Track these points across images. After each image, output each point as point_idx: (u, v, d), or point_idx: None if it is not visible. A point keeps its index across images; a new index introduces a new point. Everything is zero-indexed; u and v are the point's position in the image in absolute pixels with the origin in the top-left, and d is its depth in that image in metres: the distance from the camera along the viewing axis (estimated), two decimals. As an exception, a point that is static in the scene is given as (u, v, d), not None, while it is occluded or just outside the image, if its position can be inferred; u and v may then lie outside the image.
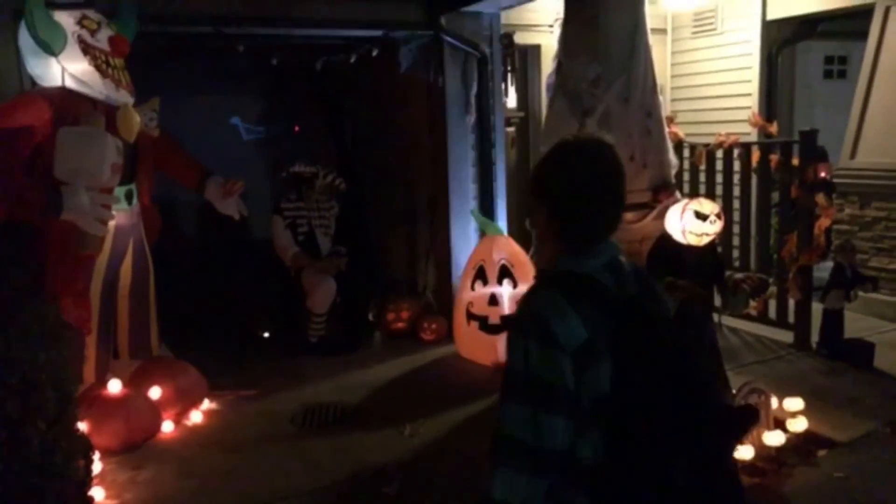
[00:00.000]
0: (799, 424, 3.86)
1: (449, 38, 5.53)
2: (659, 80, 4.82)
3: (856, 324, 5.44)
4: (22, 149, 3.69)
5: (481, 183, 5.91)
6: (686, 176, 6.17)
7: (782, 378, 4.61)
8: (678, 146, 5.91)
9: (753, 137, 6.13)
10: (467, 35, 5.62)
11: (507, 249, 5.36)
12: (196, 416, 4.43)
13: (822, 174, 5.63)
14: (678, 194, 4.69)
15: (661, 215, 4.30)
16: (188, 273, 6.86)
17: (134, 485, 3.63)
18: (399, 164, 6.53)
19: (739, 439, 1.68)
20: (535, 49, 6.72)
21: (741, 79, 6.80)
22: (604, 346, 1.40)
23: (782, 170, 5.38)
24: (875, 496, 3.39)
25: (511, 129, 6.76)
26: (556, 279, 1.51)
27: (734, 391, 4.07)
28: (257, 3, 4.97)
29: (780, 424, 3.84)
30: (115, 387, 4.03)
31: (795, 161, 5.25)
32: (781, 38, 6.74)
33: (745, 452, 3.53)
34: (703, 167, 6.05)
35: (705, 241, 4.00)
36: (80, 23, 3.99)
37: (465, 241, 5.86)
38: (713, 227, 3.98)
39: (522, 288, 5.21)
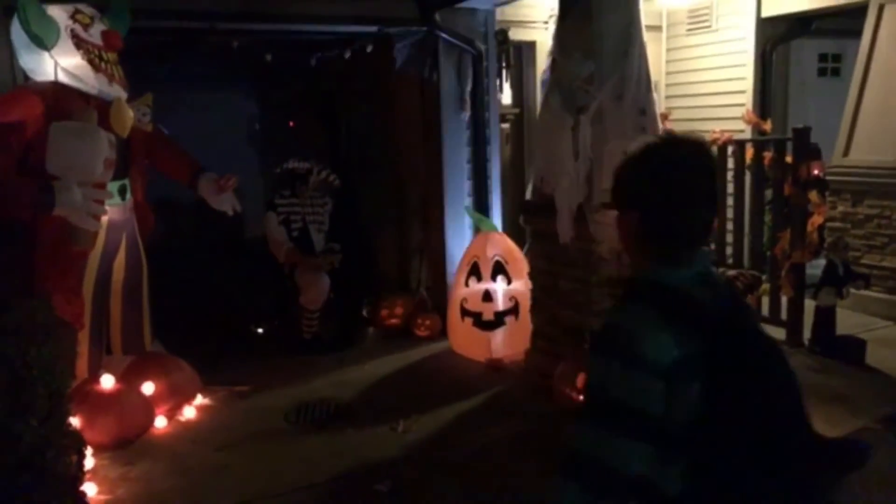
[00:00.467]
0: (791, 421, 3.87)
1: (444, 35, 5.52)
2: (654, 77, 4.80)
3: (848, 321, 5.46)
4: (14, 144, 3.67)
5: (476, 179, 5.91)
6: (680, 173, 6.18)
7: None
8: (672, 143, 5.91)
9: (747, 134, 6.14)
10: (462, 31, 5.62)
11: (502, 246, 5.36)
12: (189, 412, 4.42)
13: (816, 171, 5.63)
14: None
15: (655, 212, 4.31)
16: (182, 269, 6.85)
17: (126, 480, 3.63)
18: (393, 160, 6.53)
19: (841, 478, 1.44)
20: (530, 46, 6.72)
21: (736, 76, 6.81)
22: (695, 367, 1.28)
23: (776, 167, 5.39)
24: (868, 492, 3.40)
25: (506, 126, 6.76)
26: (646, 292, 1.39)
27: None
28: (251, -2, 4.97)
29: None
30: (107, 382, 4.01)
31: (789, 158, 5.26)
32: (776, 36, 6.75)
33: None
34: (697, 164, 6.05)
35: (698, 238, 4.01)
36: (72, 17, 3.98)
37: (459, 238, 5.86)
38: (706, 225, 3.98)
39: (516, 284, 5.22)
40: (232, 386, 4.80)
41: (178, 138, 5.01)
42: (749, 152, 5.65)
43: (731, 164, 5.81)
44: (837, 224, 6.13)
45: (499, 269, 5.24)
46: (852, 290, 5.30)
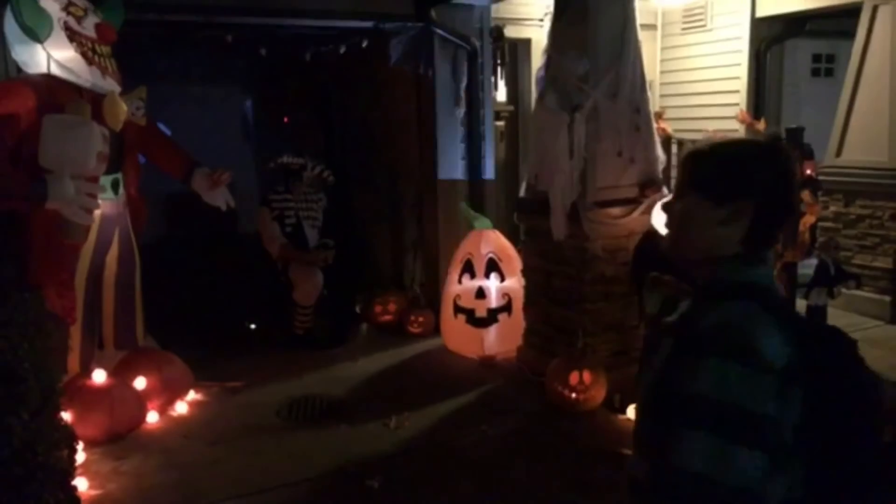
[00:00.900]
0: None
1: (439, 31, 5.52)
2: (648, 76, 4.82)
3: (839, 320, 5.48)
4: (6, 136, 3.65)
5: (470, 176, 5.90)
6: (674, 172, 6.18)
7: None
8: (666, 142, 5.94)
9: (741, 134, 6.16)
10: (457, 28, 5.61)
11: (495, 243, 5.36)
12: (181, 408, 4.42)
13: (808, 172, 5.67)
14: (665, 190, 4.72)
15: (648, 211, 4.33)
16: (175, 264, 6.84)
17: (117, 475, 3.62)
18: (388, 156, 6.52)
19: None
20: (526, 43, 6.72)
21: (730, 75, 6.83)
22: (798, 369, 1.22)
23: (769, 167, 5.41)
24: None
25: (500, 123, 6.76)
26: (744, 291, 1.30)
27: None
28: (246, -8, 4.95)
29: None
30: (99, 377, 4.00)
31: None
32: (770, 36, 6.77)
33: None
34: (690, 163, 6.08)
35: (691, 236, 4.02)
36: (66, 9, 3.95)
37: (453, 235, 5.86)
38: (699, 224, 4.00)
39: (510, 281, 5.23)
40: (224, 381, 4.79)
41: (171, 132, 5.00)
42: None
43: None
44: (829, 224, 6.16)
45: (492, 267, 5.24)
46: (843, 290, 5.33)
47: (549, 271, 4.75)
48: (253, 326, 6.04)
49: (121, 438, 3.98)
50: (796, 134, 5.18)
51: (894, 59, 5.67)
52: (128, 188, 4.50)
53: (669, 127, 6.21)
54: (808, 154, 5.78)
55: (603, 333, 4.56)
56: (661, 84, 7.42)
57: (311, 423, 4.32)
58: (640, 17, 4.70)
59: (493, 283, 5.23)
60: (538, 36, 6.40)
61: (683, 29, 7.21)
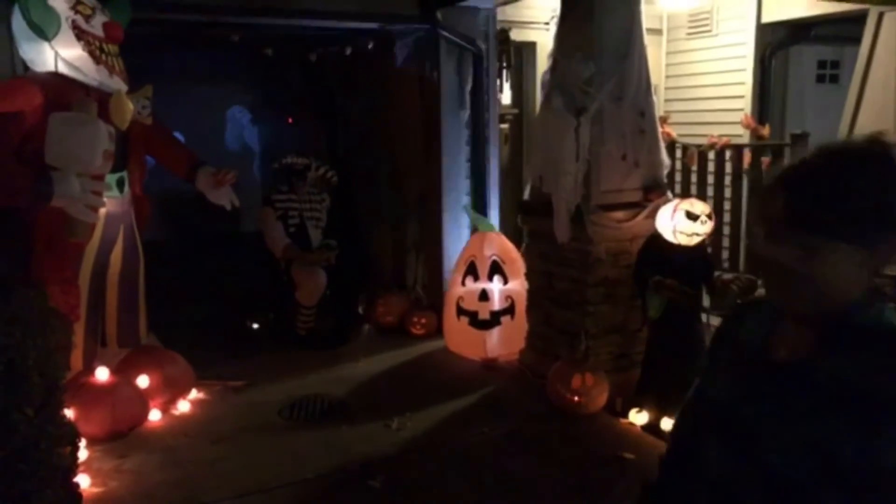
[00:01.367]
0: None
1: (445, 33, 5.53)
2: (653, 80, 4.82)
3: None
4: (12, 134, 3.66)
5: (474, 178, 5.91)
6: (678, 176, 6.19)
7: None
8: (671, 146, 5.93)
9: (746, 140, 6.16)
10: (463, 30, 5.62)
11: (499, 245, 5.37)
12: (183, 406, 4.42)
13: (813, 178, 5.65)
14: (669, 194, 4.72)
15: (652, 215, 4.33)
16: (178, 263, 6.85)
17: (119, 473, 3.63)
18: (392, 157, 6.53)
19: None
20: (531, 46, 6.72)
21: (735, 81, 6.82)
22: None
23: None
24: None
25: (505, 126, 6.77)
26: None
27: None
28: (253, -8, 4.96)
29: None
30: (102, 375, 4.01)
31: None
32: (775, 42, 6.76)
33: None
34: (694, 168, 6.08)
35: (695, 241, 4.03)
36: (74, 8, 3.96)
37: (456, 237, 5.87)
38: (704, 228, 4.01)
39: (513, 284, 5.23)
40: (226, 381, 4.80)
41: (176, 132, 5.01)
42: (747, 157, 5.66)
43: (728, 168, 5.83)
44: (833, 230, 6.14)
45: (495, 269, 5.25)
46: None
47: (552, 274, 4.75)
48: (255, 326, 6.05)
49: (123, 436, 3.98)
50: (801, 140, 5.17)
51: (900, 66, 5.67)
52: (132, 187, 4.51)
53: (674, 131, 6.21)
54: (812, 160, 5.78)
55: (605, 337, 4.56)
56: (666, 89, 7.41)
57: (313, 423, 4.33)
58: (646, 22, 4.70)
59: (496, 286, 5.23)
60: (543, 39, 6.40)
61: (689, 34, 7.20)
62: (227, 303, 6.41)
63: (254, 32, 5.65)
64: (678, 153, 6.15)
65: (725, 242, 5.97)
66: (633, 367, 4.48)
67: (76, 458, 3.07)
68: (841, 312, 1.12)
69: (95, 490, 3.44)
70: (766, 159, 5.52)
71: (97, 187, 3.95)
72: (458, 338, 5.39)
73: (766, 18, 6.62)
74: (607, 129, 4.42)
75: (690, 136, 6.31)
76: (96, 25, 4.05)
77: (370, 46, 5.69)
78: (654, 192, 4.58)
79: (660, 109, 6.34)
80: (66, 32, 3.88)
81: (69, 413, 3.26)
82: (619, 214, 4.49)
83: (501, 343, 5.20)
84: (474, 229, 5.72)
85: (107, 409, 3.93)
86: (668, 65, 7.44)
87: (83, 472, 3.39)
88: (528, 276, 5.05)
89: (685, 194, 5.79)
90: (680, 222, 3.99)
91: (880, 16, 5.85)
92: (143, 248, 4.67)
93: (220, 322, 6.05)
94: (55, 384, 2.88)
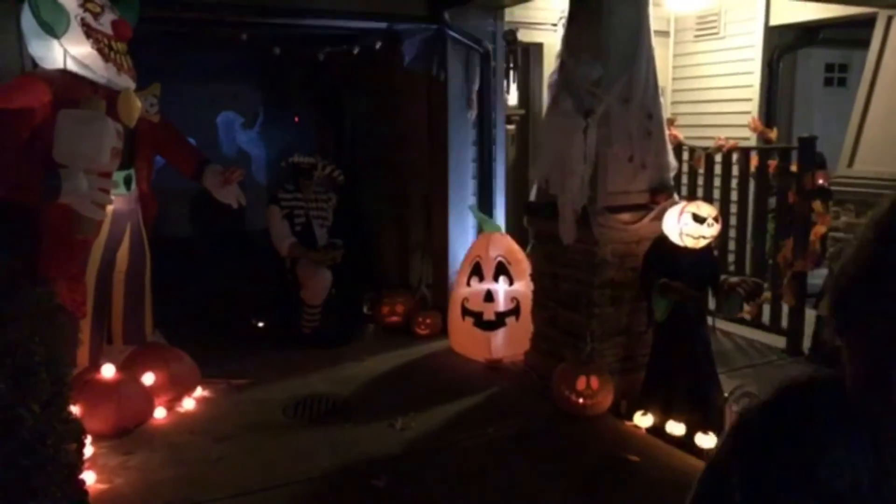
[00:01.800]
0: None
1: (452, 33, 5.53)
2: (660, 82, 4.81)
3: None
4: (21, 130, 3.68)
5: (480, 179, 5.91)
6: (685, 179, 6.19)
7: (774, 382, 4.62)
8: (678, 149, 5.93)
9: (753, 142, 6.14)
10: (470, 30, 5.62)
11: (504, 246, 5.36)
12: (188, 404, 4.43)
13: (821, 181, 5.64)
14: (676, 196, 4.71)
15: (659, 217, 4.32)
16: (184, 261, 6.87)
17: (125, 470, 3.64)
18: (398, 157, 6.53)
19: None
20: (538, 47, 6.71)
21: (742, 83, 6.80)
22: None
23: (780, 176, 5.40)
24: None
25: (511, 127, 6.76)
26: None
27: (726, 394, 4.10)
28: (261, -9, 4.97)
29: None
30: (108, 372, 4.02)
31: (794, 167, 5.27)
32: (783, 45, 6.74)
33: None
34: (701, 170, 6.07)
35: (702, 243, 4.02)
36: (83, 6, 3.98)
37: (462, 237, 5.86)
38: (710, 231, 4.00)
39: (518, 285, 5.23)
40: (231, 379, 4.81)
41: (184, 130, 5.02)
42: (754, 160, 5.65)
43: (735, 171, 5.82)
44: (840, 234, 6.12)
45: (501, 270, 5.24)
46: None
47: (558, 275, 4.75)
48: (260, 324, 6.05)
49: (128, 433, 4.00)
50: (809, 143, 5.16)
51: (908, 70, 5.65)
52: (139, 184, 4.53)
53: (681, 134, 6.20)
54: (820, 164, 5.76)
55: (611, 338, 4.55)
56: (673, 91, 7.39)
57: (317, 422, 4.33)
58: (653, 24, 4.69)
59: (501, 287, 5.23)
60: (551, 40, 6.39)
61: (696, 36, 7.19)
62: (232, 301, 6.42)
63: (262, 32, 5.66)
64: (685, 155, 6.15)
65: (732, 245, 5.96)
66: (638, 369, 4.47)
67: (82, 454, 3.08)
68: None
69: (101, 486, 3.45)
70: (773, 162, 5.51)
71: (105, 184, 3.97)
72: (463, 338, 5.39)
73: (773, 21, 6.60)
74: (614, 130, 4.41)
75: (697, 138, 6.30)
76: (105, 23, 4.07)
77: (378, 46, 5.70)
78: (661, 194, 4.57)
79: (667, 111, 6.33)
80: (76, 30, 3.89)
81: (75, 409, 3.27)
82: (626, 216, 4.48)
83: (506, 344, 5.20)
84: (480, 230, 5.72)
85: (112, 405, 3.94)
86: (675, 67, 7.43)
87: (89, 468, 3.40)
88: (534, 277, 5.05)
89: (692, 197, 5.79)
90: (686, 225, 3.98)
91: (889, 19, 5.83)
92: (150, 246, 4.68)
93: (226, 320, 6.06)
94: (61, 381, 2.88)
